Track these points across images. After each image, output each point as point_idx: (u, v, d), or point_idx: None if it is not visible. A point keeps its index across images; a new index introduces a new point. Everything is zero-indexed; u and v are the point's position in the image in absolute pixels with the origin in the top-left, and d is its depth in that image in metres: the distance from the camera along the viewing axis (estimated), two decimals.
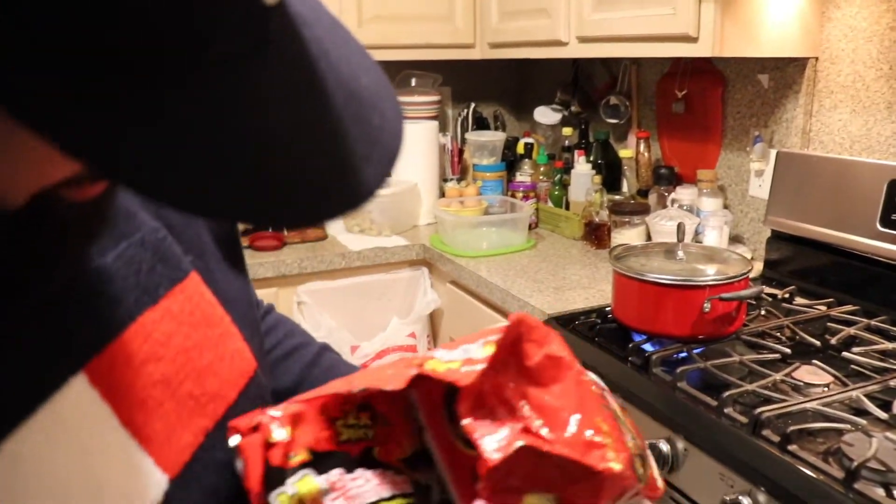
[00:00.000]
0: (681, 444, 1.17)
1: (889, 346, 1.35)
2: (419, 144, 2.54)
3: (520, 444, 0.44)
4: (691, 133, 2.20)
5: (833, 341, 1.38)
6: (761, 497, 1.03)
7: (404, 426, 0.52)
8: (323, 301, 2.15)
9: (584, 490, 0.47)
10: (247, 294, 0.56)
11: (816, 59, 1.79)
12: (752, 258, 1.93)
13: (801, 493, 0.97)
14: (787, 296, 1.63)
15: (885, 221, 1.53)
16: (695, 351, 1.35)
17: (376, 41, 2.41)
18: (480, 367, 0.45)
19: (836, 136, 1.76)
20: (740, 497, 1.04)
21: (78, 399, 0.38)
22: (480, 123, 2.89)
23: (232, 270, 0.55)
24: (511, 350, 0.49)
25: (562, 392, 0.51)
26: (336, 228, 2.43)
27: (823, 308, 1.56)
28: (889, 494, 0.93)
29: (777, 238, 1.82)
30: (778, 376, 1.23)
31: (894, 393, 1.17)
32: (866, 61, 1.67)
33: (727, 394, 1.16)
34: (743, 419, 1.12)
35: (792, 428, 1.06)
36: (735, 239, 2.05)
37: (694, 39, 1.64)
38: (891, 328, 1.44)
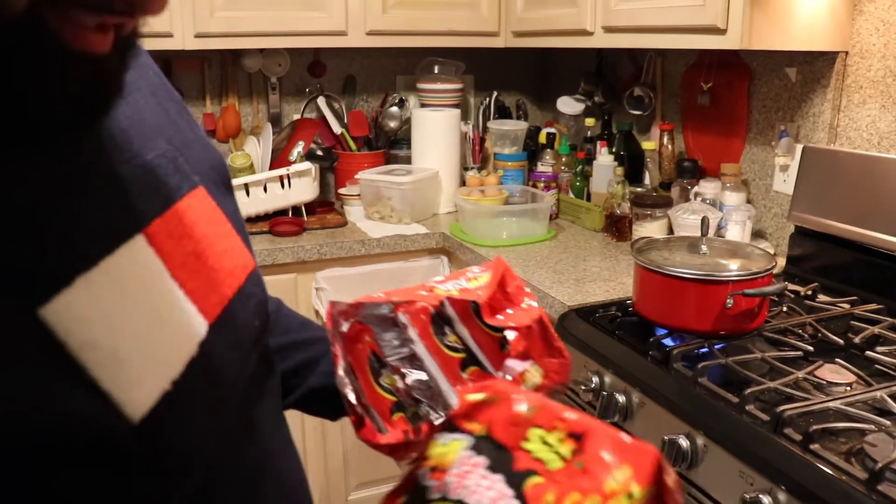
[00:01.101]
0: (700, 441, 1.17)
1: None
2: (441, 132, 2.53)
3: (536, 316, 0.69)
4: (716, 126, 2.17)
5: (856, 340, 1.36)
6: (781, 496, 1.02)
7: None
8: (341, 288, 2.15)
9: (552, 364, 0.69)
10: (239, 212, 0.65)
11: (846, 53, 1.76)
12: (775, 254, 1.91)
13: (822, 493, 0.96)
14: (809, 293, 1.62)
15: None
16: (716, 346, 1.34)
17: (400, 27, 2.40)
18: (480, 292, 0.69)
19: (864, 132, 1.74)
20: (760, 495, 1.03)
21: (140, 252, 0.48)
22: (502, 112, 2.87)
23: (226, 193, 0.64)
24: (499, 280, 0.71)
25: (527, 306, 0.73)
26: (356, 215, 2.43)
27: (847, 306, 1.54)
28: None
29: (801, 234, 1.80)
30: (800, 374, 1.22)
31: None
32: None
33: (749, 391, 1.15)
34: (764, 417, 1.11)
35: (814, 427, 1.05)
36: (758, 234, 2.03)
37: (722, 31, 1.62)
38: None
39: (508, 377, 0.65)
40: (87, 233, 0.45)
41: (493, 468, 0.52)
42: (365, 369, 0.72)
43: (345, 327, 0.72)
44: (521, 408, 0.54)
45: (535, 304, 0.71)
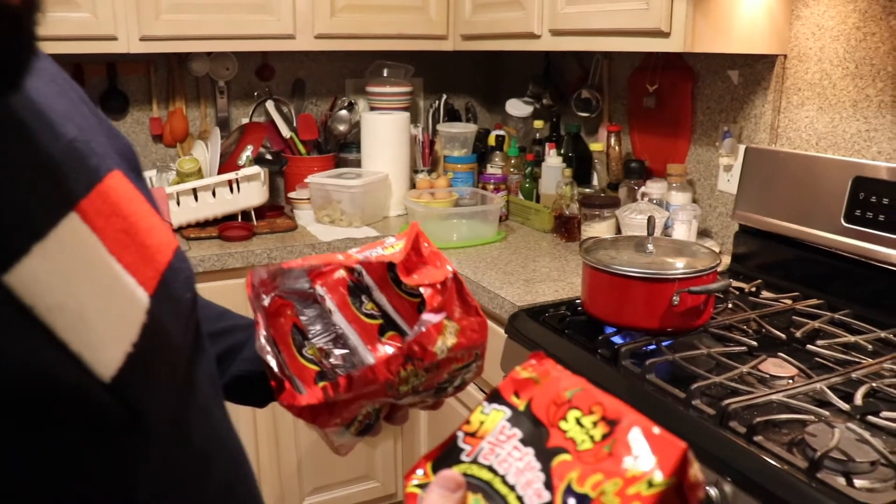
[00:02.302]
0: None
1: (852, 339, 1.38)
2: (390, 135, 2.53)
3: (450, 274, 0.70)
4: (662, 127, 2.21)
5: (798, 334, 1.40)
6: (727, 488, 1.04)
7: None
8: None
9: (469, 322, 0.71)
10: (152, 196, 0.66)
11: (785, 56, 1.81)
12: (720, 252, 1.95)
13: (766, 483, 0.99)
14: (753, 289, 1.65)
15: (850, 217, 1.56)
16: (663, 343, 1.37)
17: (348, 30, 2.40)
18: (400, 255, 0.71)
19: (803, 132, 1.79)
20: (707, 488, 1.06)
21: (78, 227, 0.49)
22: (452, 115, 2.89)
23: (138, 178, 0.65)
24: (414, 245, 0.73)
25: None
26: (306, 219, 2.42)
27: (789, 302, 1.59)
28: (849, 483, 0.95)
29: (744, 232, 1.84)
30: (744, 369, 1.25)
31: (856, 385, 1.19)
32: (833, 60, 1.69)
33: (695, 386, 1.18)
34: (710, 411, 1.14)
35: (758, 419, 1.08)
36: (703, 233, 2.07)
37: (666, 34, 1.65)
38: (853, 322, 1.47)
39: (423, 329, 0.67)
40: (33, 206, 0.46)
41: (526, 442, 0.55)
42: (288, 342, 0.73)
43: (266, 301, 0.74)
44: (565, 390, 0.56)
45: (449, 267, 0.72)
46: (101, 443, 0.46)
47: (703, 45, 1.65)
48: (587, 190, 2.29)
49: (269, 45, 2.36)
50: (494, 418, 0.57)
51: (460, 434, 0.58)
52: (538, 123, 2.54)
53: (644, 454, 0.50)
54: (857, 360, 1.30)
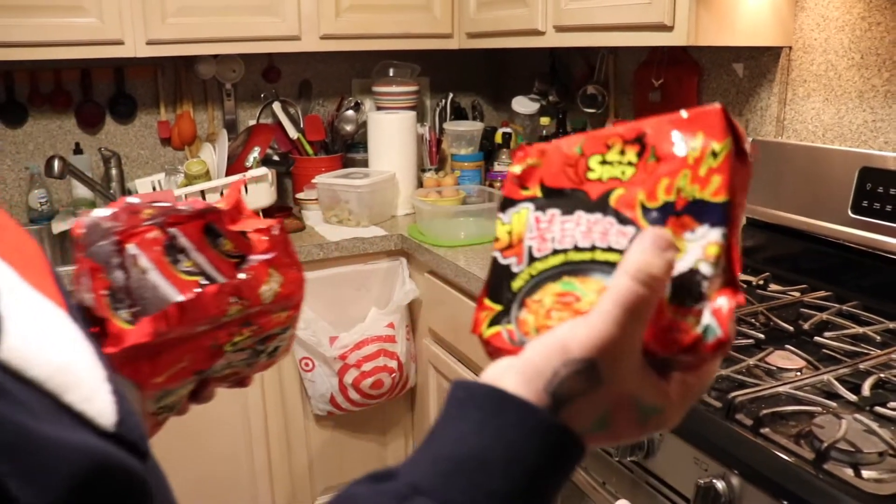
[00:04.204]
0: None
1: (859, 330, 1.37)
2: (397, 135, 2.54)
3: (276, 223, 0.72)
4: None
5: (806, 326, 1.40)
6: (735, 480, 1.04)
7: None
8: None
9: (292, 274, 0.72)
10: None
11: (790, 48, 1.80)
12: None
13: (773, 475, 0.99)
14: (761, 282, 1.65)
15: (857, 208, 1.55)
16: None
17: (353, 30, 2.41)
18: (225, 206, 0.72)
19: (810, 124, 1.78)
20: (714, 480, 1.06)
21: None
22: (458, 113, 2.89)
23: None
24: (237, 204, 0.74)
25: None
26: (314, 219, 2.43)
27: (797, 294, 1.58)
28: (857, 474, 0.95)
29: (752, 225, 1.84)
30: (752, 361, 1.25)
31: (864, 376, 1.19)
32: (838, 50, 1.69)
33: None
34: (717, 403, 1.13)
35: (765, 411, 1.08)
36: None
37: (669, 28, 1.65)
38: (861, 313, 1.46)
39: (252, 265, 0.68)
40: None
41: (569, 211, 0.49)
42: (103, 304, 0.69)
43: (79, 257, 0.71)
44: (571, 149, 0.51)
45: (277, 226, 0.73)
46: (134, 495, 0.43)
47: (706, 38, 1.64)
48: None
49: (274, 47, 2.37)
50: (520, 219, 0.51)
51: (496, 254, 0.52)
52: (545, 120, 2.54)
53: (690, 137, 0.47)
54: (865, 351, 1.29)
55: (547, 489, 0.42)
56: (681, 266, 0.45)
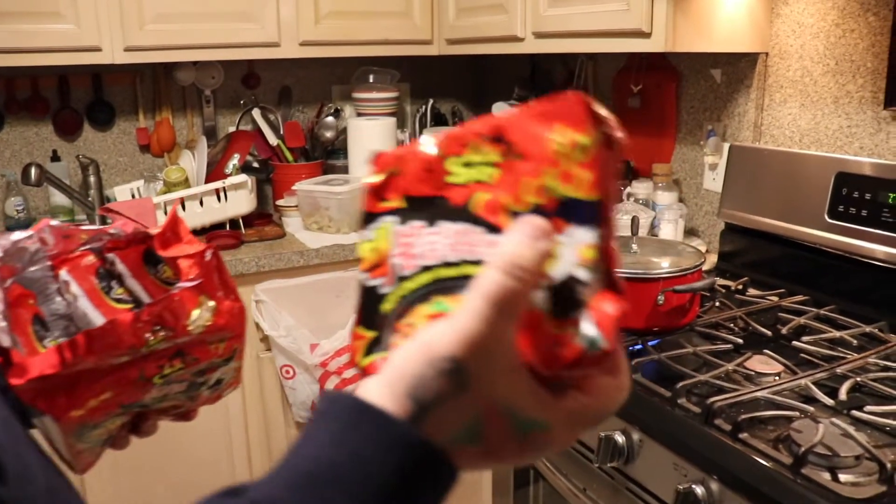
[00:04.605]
0: (636, 436, 1.19)
1: (837, 334, 1.38)
2: (377, 141, 2.53)
3: (209, 249, 0.68)
4: (647, 127, 2.22)
5: (784, 331, 1.41)
6: (714, 485, 1.05)
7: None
8: (281, 299, 2.14)
9: (227, 304, 0.68)
10: None
11: (766, 54, 1.82)
12: (706, 251, 1.96)
13: (751, 480, 0.99)
14: (740, 287, 1.66)
15: (833, 213, 1.56)
16: (649, 343, 1.37)
17: (333, 37, 2.40)
18: (157, 230, 0.70)
19: (786, 129, 1.79)
20: (693, 486, 1.06)
21: None
22: (439, 120, 2.89)
23: None
24: (173, 227, 0.70)
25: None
26: (294, 226, 2.42)
27: (775, 298, 1.59)
28: (834, 478, 0.96)
29: (730, 230, 1.85)
30: (730, 366, 1.25)
31: (841, 380, 1.20)
32: (813, 57, 1.70)
33: (681, 384, 1.18)
34: (696, 409, 1.14)
35: (743, 416, 1.09)
36: (690, 232, 2.08)
37: (647, 35, 1.66)
38: (838, 317, 1.47)
39: (175, 292, 0.63)
40: None
41: (434, 221, 0.46)
42: (27, 332, 0.66)
43: (8, 283, 0.67)
44: (428, 150, 0.46)
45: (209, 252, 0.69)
46: None
47: (684, 44, 1.65)
48: None
49: (254, 54, 2.36)
50: (383, 234, 0.47)
51: (363, 276, 0.48)
52: None
53: (552, 131, 0.42)
54: (842, 355, 1.30)
55: None
56: (556, 273, 0.41)
